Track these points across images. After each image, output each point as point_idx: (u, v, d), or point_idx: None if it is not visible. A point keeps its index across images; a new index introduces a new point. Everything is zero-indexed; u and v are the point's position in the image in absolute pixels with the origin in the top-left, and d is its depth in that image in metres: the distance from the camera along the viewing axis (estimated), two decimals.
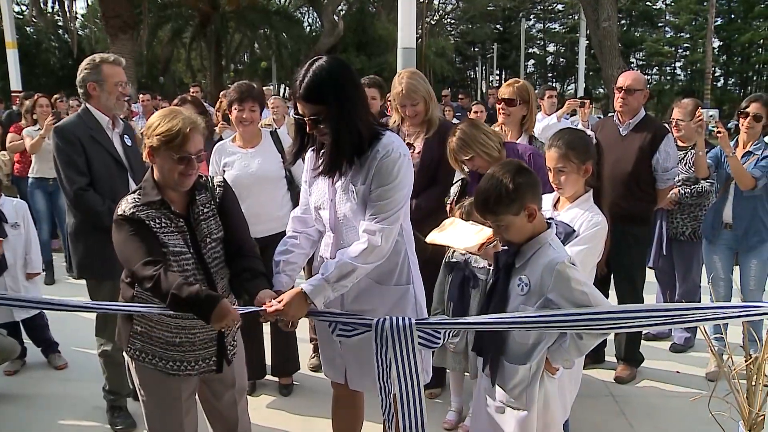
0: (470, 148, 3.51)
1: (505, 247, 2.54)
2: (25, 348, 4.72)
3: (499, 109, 4.12)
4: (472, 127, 3.61)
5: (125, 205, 2.48)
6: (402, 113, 3.94)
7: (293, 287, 2.58)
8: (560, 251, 2.42)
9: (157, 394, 2.67)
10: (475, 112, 7.21)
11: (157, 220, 2.48)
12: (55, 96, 8.63)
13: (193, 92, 10.58)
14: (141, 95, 10.66)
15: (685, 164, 4.79)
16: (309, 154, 2.75)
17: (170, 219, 2.51)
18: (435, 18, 43.45)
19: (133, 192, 2.55)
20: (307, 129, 2.52)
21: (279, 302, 2.44)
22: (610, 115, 4.99)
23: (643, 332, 4.87)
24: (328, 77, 2.43)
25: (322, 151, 2.59)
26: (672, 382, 4.48)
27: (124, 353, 2.71)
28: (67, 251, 3.93)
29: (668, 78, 48.26)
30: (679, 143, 4.85)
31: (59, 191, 6.93)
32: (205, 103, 8.19)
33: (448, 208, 3.73)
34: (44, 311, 4.77)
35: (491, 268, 3.39)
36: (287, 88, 28.30)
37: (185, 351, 2.61)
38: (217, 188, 2.69)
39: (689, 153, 4.81)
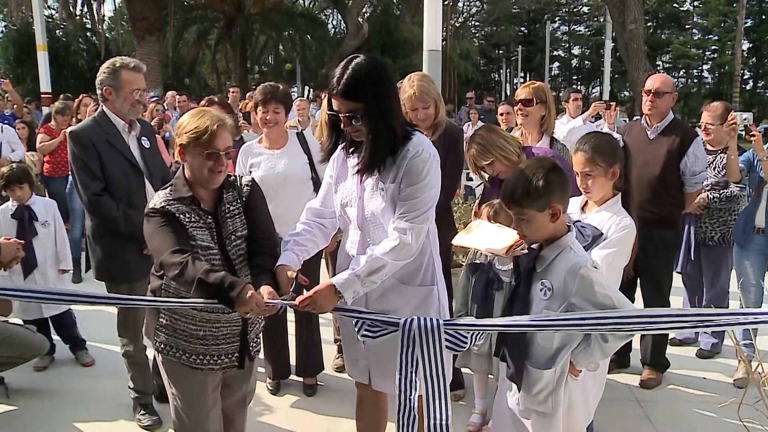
0: (489, 153, 3.52)
1: (526, 252, 2.54)
2: (54, 345, 4.79)
3: (517, 110, 4.10)
4: (490, 132, 3.61)
5: (157, 200, 2.57)
6: (413, 117, 3.79)
7: (299, 269, 2.61)
8: (582, 255, 2.42)
9: (183, 386, 2.72)
10: (501, 114, 7.18)
11: (187, 215, 2.55)
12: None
13: (232, 92, 10.64)
14: (178, 96, 10.77)
15: (714, 168, 4.74)
16: (337, 152, 2.76)
17: (199, 215, 2.59)
18: (460, 20, 43.39)
19: (165, 188, 2.63)
20: (342, 126, 2.54)
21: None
22: (636, 118, 4.96)
23: (669, 337, 4.81)
24: (366, 75, 2.47)
25: (357, 149, 2.62)
26: (699, 389, 4.43)
27: (151, 346, 2.75)
28: (87, 253, 3.97)
29: (695, 81, 47.72)
30: (709, 147, 4.80)
31: None
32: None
33: (473, 211, 3.72)
34: (72, 309, 4.85)
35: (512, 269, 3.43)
36: (311, 89, 28.43)
37: (208, 345, 2.66)
38: (245, 187, 2.75)
39: (718, 157, 4.75)
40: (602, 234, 2.77)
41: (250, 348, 2.79)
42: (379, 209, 2.58)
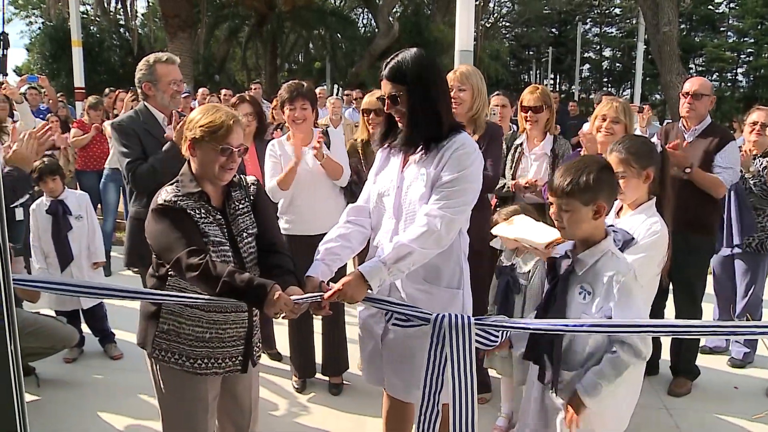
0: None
1: (558, 255, 2.52)
2: (83, 337, 4.85)
3: (525, 117, 4.20)
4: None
5: (165, 195, 2.48)
6: None
7: (330, 279, 2.60)
8: (624, 262, 2.40)
9: (182, 394, 2.61)
10: (496, 105, 6.87)
11: (197, 211, 2.48)
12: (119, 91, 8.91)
13: (254, 89, 10.77)
14: (224, 90, 11.02)
15: (757, 174, 4.64)
16: (380, 152, 2.80)
17: (208, 211, 2.52)
18: (490, 21, 43.16)
19: (171, 184, 2.55)
20: (386, 108, 2.62)
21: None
22: (667, 121, 4.90)
23: (700, 345, 4.73)
24: (411, 61, 2.57)
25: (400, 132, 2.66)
26: (730, 398, 4.35)
27: (146, 356, 2.65)
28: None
29: (729, 84, 46.95)
30: (746, 151, 4.70)
31: None
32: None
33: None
34: (103, 302, 4.91)
35: (530, 272, 3.44)
36: (341, 88, 28.46)
37: (214, 347, 2.58)
38: (251, 186, 2.71)
39: (759, 161, 4.65)
40: (633, 238, 2.73)
41: (254, 351, 2.73)
42: (419, 196, 2.58)
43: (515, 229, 3.04)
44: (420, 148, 2.61)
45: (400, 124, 2.64)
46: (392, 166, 2.73)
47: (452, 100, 3.85)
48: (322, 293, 2.48)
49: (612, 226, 2.77)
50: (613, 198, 2.45)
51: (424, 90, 2.55)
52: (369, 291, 2.50)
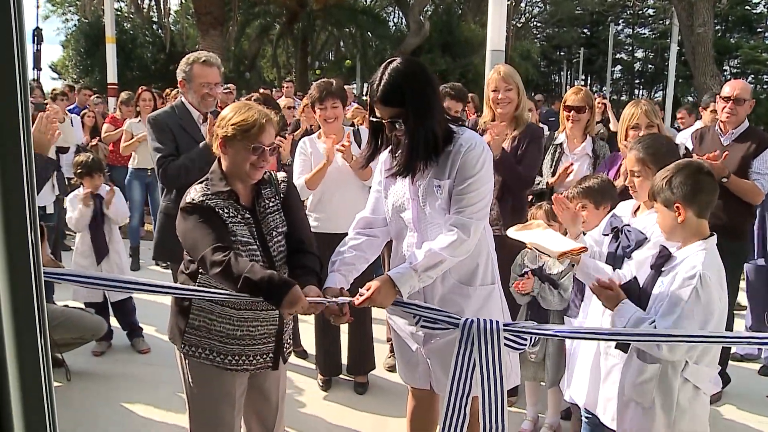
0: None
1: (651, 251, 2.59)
2: (112, 331, 4.90)
3: (568, 116, 4.23)
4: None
5: (194, 194, 2.49)
6: (494, 102, 3.97)
7: (346, 288, 2.58)
8: (701, 265, 2.37)
9: (210, 389, 2.62)
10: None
11: (225, 210, 2.48)
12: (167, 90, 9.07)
13: (286, 87, 10.88)
14: (262, 89, 11.07)
15: None
16: (384, 157, 2.73)
17: (237, 210, 2.52)
18: (521, 21, 42.89)
19: (200, 183, 2.56)
20: (386, 131, 2.54)
21: (367, 290, 2.44)
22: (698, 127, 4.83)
23: (731, 352, 4.65)
24: (405, 79, 2.45)
25: (398, 152, 2.58)
26: (761, 407, 4.27)
27: (176, 350, 2.67)
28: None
29: (764, 87, 46.12)
30: None
31: (156, 183, 7.22)
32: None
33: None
34: (132, 296, 4.96)
35: (561, 272, 3.47)
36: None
37: (245, 345, 2.58)
38: (282, 184, 2.70)
39: None
40: (646, 238, 2.75)
41: (284, 348, 2.73)
42: (438, 208, 2.55)
43: (530, 234, 3.02)
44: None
45: (400, 142, 2.55)
46: (401, 178, 2.65)
47: (498, 102, 3.89)
48: (344, 298, 2.45)
49: (627, 225, 2.79)
50: (700, 200, 2.42)
51: (421, 108, 2.45)
52: (398, 297, 2.48)
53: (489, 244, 2.74)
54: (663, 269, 2.48)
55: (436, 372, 2.77)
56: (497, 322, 2.37)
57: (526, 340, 2.51)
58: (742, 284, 4.80)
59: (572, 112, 4.20)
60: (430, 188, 2.56)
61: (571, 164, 4.14)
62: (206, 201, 2.46)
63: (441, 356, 2.69)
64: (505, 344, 2.39)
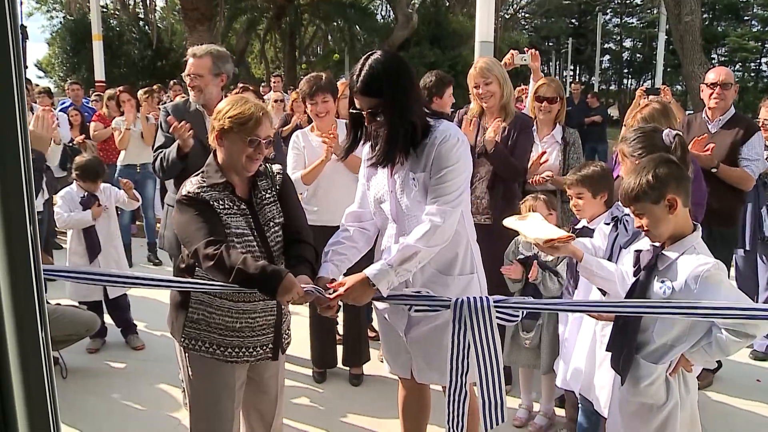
0: None
1: (643, 248, 2.51)
2: (106, 328, 4.91)
3: (539, 107, 4.28)
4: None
5: (190, 186, 2.52)
6: (476, 97, 4.01)
7: (338, 278, 2.59)
8: (708, 259, 2.34)
9: (209, 381, 2.64)
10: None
11: (221, 202, 2.51)
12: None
13: (275, 83, 10.85)
14: (241, 84, 11.00)
15: None
16: (366, 149, 2.76)
17: (233, 201, 2.54)
18: (510, 12, 42.86)
19: (196, 175, 2.59)
20: (366, 123, 2.57)
21: (341, 286, 2.46)
22: (689, 113, 4.86)
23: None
24: (384, 71, 2.48)
25: (375, 142, 2.61)
26: (752, 391, 4.31)
27: (176, 343, 2.69)
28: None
29: (752, 75, 46.28)
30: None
31: (145, 179, 7.20)
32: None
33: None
34: (126, 293, 4.96)
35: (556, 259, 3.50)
36: None
37: (245, 336, 2.60)
38: (277, 175, 2.73)
39: None
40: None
41: (283, 339, 2.75)
42: (414, 200, 2.58)
43: (524, 224, 3.06)
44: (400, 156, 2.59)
45: (378, 134, 2.58)
46: (381, 170, 2.69)
47: (481, 97, 3.91)
48: (320, 288, 2.47)
49: (627, 215, 2.79)
50: (684, 186, 2.38)
51: (400, 99, 2.48)
52: (378, 293, 2.49)
53: (469, 234, 2.76)
54: (659, 268, 2.42)
55: (417, 361, 2.81)
56: (488, 299, 2.39)
57: (518, 314, 2.55)
58: (732, 272, 4.84)
59: (544, 102, 4.26)
60: (406, 180, 2.60)
61: (544, 152, 4.18)
62: (201, 193, 2.49)
63: (422, 346, 2.73)
64: (498, 317, 2.41)
